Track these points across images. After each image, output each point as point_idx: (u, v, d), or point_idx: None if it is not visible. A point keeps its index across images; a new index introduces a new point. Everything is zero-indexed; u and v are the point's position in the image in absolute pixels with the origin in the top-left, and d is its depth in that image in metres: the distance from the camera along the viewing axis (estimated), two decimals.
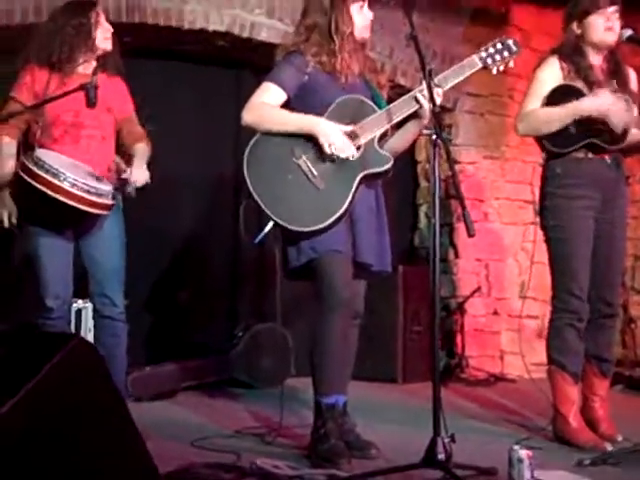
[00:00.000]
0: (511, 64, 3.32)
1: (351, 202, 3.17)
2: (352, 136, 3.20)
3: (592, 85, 3.60)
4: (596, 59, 3.67)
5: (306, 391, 4.20)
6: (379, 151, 3.24)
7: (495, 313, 6.10)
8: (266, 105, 3.27)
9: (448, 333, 5.93)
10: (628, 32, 3.60)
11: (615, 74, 3.68)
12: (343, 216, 3.17)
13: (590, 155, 3.61)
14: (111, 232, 3.60)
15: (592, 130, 3.55)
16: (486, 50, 3.28)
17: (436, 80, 3.14)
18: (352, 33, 3.30)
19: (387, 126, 3.25)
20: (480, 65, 3.27)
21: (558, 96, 3.60)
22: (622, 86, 3.65)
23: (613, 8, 3.61)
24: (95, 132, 3.58)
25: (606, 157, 3.64)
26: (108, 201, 3.43)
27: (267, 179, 3.17)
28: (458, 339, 5.87)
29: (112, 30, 3.67)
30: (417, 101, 3.19)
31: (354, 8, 3.31)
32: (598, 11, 3.59)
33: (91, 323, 3.99)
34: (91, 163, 3.51)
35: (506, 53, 3.28)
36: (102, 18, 3.65)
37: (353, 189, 3.17)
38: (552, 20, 6.02)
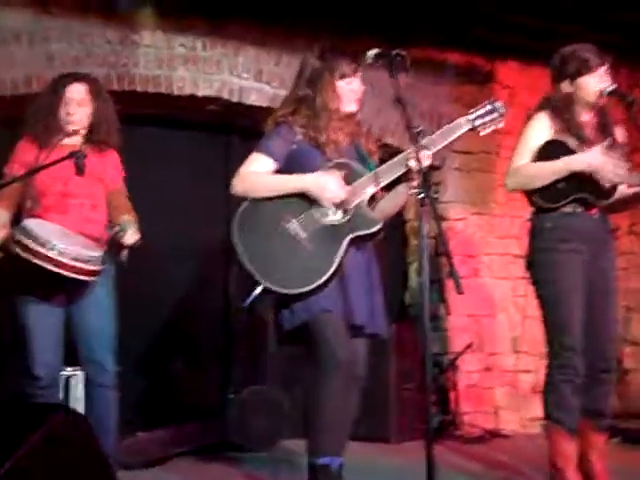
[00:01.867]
0: (500, 125, 3.33)
1: (340, 264, 3.17)
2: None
3: (583, 142, 3.63)
4: (586, 116, 3.73)
5: (301, 453, 4.15)
6: (368, 214, 3.24)
7: (488, 369, 6.08)
8: (255, 173, 3.30)
9: (441, 390, 5.90)
10: (611, 86, 3.65)
11: (604, 130, 3.73)
12: (332, 277, 3.16)
13: (578, 210, 3.64)
14: (102, 298, 3.61)
15: (581, 185, 3.59)
16: (474, 113, 3.30)
17: (424, 142, 3.17)
18: (338, 109, 3.32)
19: (376, 189, 3.26)
20: (468, 127, 3.29)
21: (548, 151, 3.63)
22: (613, 142, 3.68)
23: (604, 67, 3.67)
24: (85, 201, 3.62)
25: (594, 212, 3.67)
26: (97, 267, 3.45)
27: (256, 244, 3.17)
28: (452, 396, 5.83)
29: (79, 111, 3.62)
30: (406, 164, 3.21)
31: (342, 84, 3.33)
32: (590, 72, 3.65)
33: (81, 391, 3.95)
34: (81, 231, 3.54)
35: (495, 114, 3.31)
36: (75, 95, 3.62)
37: (341, 251, 3.17)
38: (537, 76, 6.15)
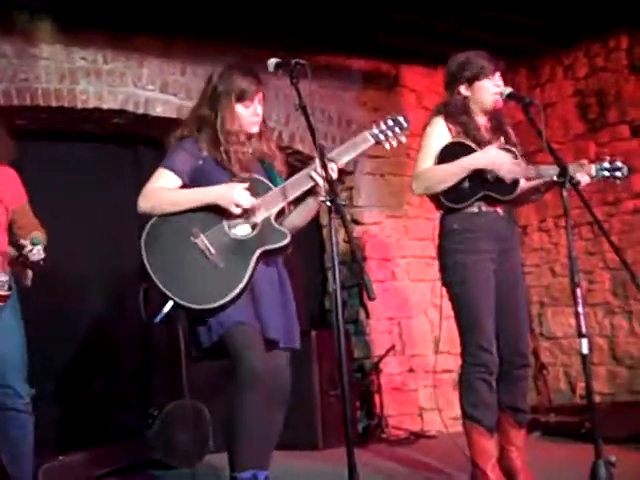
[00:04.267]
0: (403, 139, 3.32)
1: (250, 278, 3.15)
2: (248, 214, 3.20)
3: (480, 144, 3.71)
4: (482, 119, 3.80)
5: (225, 468, 4.10)
6: (276, 227, 3.23)
7: (411, 370, 6.14)
8: (161, 189, 3.25)
9: (365, 394, 5.92)
10: (508, 90, 3.73)
11: (498, 131, 3.82)
12: (243, 292, 3.14)
13: (484, 208, 3.70)
14: (9, 323, 3.49)
15: (485, 183, 3.65)
16: (378, 127, 3.28)
17: (330, 155, 3.17)
18: (239, 131, 3.29)
19: (283, 203, 3.25)
20: (372, 141, 3.28)
21: (450, 153, 3.69)
22: (506, 142, 3.79)
23: (499, 73, 3.77)
24: None
25: (499, 210, 3.74)
26: (4, 292, 3.34)
27: (165, 261, 3.14)
28: (376, 399, 5.86)
29: None
30: (312, 178, 3.20)
31: (240, 107, 3.29)
32: (487, 77, 3.73)
33: None
34: None
35: (397, 129, 3.29)
36: None
37: (251, 265, 3.15)
38: (442, 80, 6.26)
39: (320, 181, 3.15)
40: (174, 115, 5.29)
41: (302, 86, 3.04)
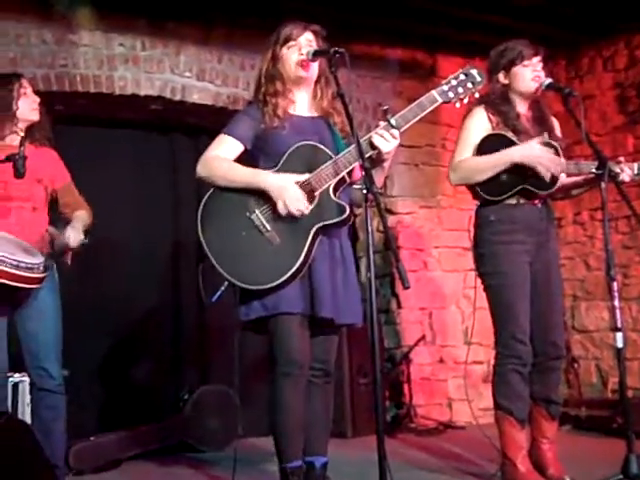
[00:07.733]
0: (476, 94, 3.17)
1: (307, 256, 3.05)
2: (306, 186, 3.08)
3: (520, 134, 3.67)
4: (522, 107, 3.77)
5: (254, 452, 4.14)
6: (335, 201, 3.10)
7: (441, 361, 6.12)
8: (219, 159, 3.19)
9: (395, 384, 5.93)
10: (547, 80, 3.70)
11: (540, 122, 3.78)
12: (299, 271, 3.05)
13: (522, 201, 3.68)
14: (46, 304, 3.53)
15: (524, 177, 3.62)
16: (447, 83, 3.11)
17: (393, 121, 3.05)
18: (282, 74, 3.23)
19: (342, 174, 3.09)
20: (440, 101, 3.10)
21: (489, 145, 3.66)
22: (548, 133, 3.73)
23: (537, 58, 3.72)
24: (25, 204, 3.54)
25: (537, 202, 3.71)
26: (39, 274, 3.35)
27: (221, 237, 3.08)
28: (405, 389, 5.86)
29: (39, 101, 3.65)
30: (372, 145, 3.06)
31: (284, 50, 3.23)
32: (524, 61, 3.69)
33: (28, 397, 3.89)
34: (22, 235, 3.45)
35: (470, 85, 3.11)
36: (28, 90, 3.63)
37: (308, 243, 3.05)
38: (480, 69, 6.22)
39: (384, 147, 3.05)
40: (210, 102, 5.31)
41: (340, 75, 3.02)
